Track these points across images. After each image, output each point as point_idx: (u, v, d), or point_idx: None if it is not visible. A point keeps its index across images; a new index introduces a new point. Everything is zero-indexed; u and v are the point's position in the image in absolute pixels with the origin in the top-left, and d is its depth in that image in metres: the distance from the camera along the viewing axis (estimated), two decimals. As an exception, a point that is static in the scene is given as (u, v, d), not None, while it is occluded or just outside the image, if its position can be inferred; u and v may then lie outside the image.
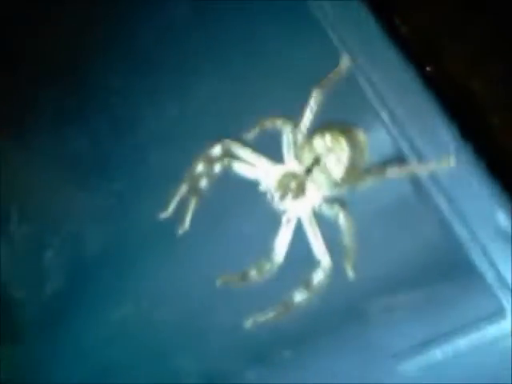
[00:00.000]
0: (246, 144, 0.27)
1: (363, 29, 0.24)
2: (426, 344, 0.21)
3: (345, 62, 0.24)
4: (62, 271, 0.35)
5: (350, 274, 0.25)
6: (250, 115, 0.27)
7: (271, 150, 0.27)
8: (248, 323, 0.28)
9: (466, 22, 0.30)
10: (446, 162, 0.21)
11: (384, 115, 0.23)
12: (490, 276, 0.20)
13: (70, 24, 0.36)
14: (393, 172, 0.22)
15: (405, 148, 0.22)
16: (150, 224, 0.31)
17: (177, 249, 0.31)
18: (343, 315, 0.26)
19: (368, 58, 0.24)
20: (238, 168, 0.27)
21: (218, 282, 0.28)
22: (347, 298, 0.26)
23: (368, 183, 0.23)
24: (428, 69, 0.24)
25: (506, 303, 0.19)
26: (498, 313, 0.20)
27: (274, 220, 0.27)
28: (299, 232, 0.26)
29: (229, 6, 0.28)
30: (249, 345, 0.29)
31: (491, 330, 0.20)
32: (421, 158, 0.22)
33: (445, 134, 0.21)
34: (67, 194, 0.35)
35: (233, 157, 0.27)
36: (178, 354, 0.31)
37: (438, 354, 0.21)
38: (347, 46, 0.24)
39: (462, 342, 0.20)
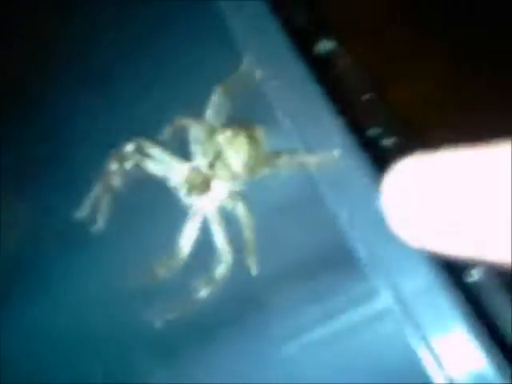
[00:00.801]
0: (158, 143, 0.28)
1: (265, 35, 0.26)
2: (308, 325, 0.22)
3: (246, 65, 0.26)
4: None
5: (253, 269, 0.26)
6: (160, 116, 0.28)
7: (181, 148, 0.28)
8: (158, 321, 0.28)
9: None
10: (333, 155, 0.23)
11: (279, 114, 0.24)
12: (366, 260, 0.21)
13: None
14: (285, 162, 0.23)
15: (298, 143, 0.24)
16: (64, 225, 0.31)
17: (91, 247, 0.31)
18: (244, 307, 0.26)
19: (268, 63, 0.25)
20: (149, 166, 0.28)
21: (129, 280, 0.29)
22: (247, 290, 0.26)
23: (265, 173, 0.24)
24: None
25: (379, 284, 0.20)
26: (373, 293, 0.21)
27: (181, 215, 0.27)
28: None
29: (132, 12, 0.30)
30: (155, 342, 0.29)
31: (367, 310, 0.21)
32: (311, 152, 0.23)
33: (332, 129, 0.23)
34: None
35: (144, 155, 0.28)
36: (85, 356, 0.31)
37: (317, 334, 0.21)
38: (250, 49, 0.26)
39: (341, 322, 0.21)
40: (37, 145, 0.34)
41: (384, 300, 0.20)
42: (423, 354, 0.19)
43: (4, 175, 0.34)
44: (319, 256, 0.24)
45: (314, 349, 0.22)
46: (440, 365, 0.19)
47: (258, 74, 0.25)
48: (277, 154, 0.24)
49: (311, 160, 0.23)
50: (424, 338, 0.19)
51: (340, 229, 0.23)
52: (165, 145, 0.28)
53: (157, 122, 0.28)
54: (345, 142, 0.23)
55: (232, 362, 0.26)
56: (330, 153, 0.23)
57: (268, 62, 0.25)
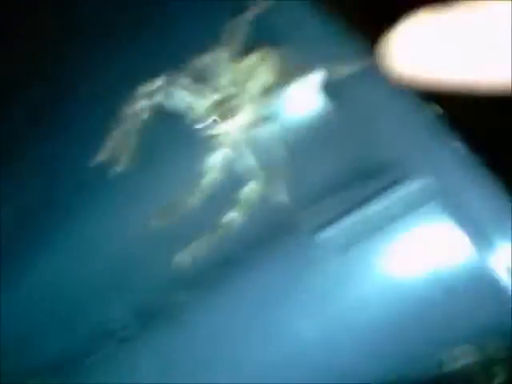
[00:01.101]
0: (186, 75, 0.29)
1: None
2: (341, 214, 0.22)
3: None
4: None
5: (282, 196, 0.26)
6: (187, 50, 0.29)
7: (210, 79, 0.28)
8: (183, 258, 0.28)
9: None
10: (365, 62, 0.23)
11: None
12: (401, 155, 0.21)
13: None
14: (315, 72, 0.24)
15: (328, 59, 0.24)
16: (83, 172, 0.31)
17: (111, 191, 0.31)
18: (272, 230, 0.26)
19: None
20: (176, 99, 0.28)
21: (153, 221, 0.28)
22: (277, 212, 0.26)
23: (295, 84, 0.25)
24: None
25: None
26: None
27: (207, 146, 0.27)
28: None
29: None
30: (183, 279, 0.29)
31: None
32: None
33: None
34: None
35: (175, 86, 0.28)
36: (111, 299, 0.31)
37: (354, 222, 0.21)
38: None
39: (378, 207, 0.21)
40: (50, 102, 0.34)
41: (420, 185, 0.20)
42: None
43: (18, 123, 0.35)
44: (351, 170, 0.24)
45: (360, 258, 0.22)
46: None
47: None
48: (303, 66, 0.24)
49: (344, 68, 0.24)
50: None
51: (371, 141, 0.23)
52: (190, 78, 0.29)
53: (180, 59, 0.29)
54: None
55: (268, 285, 0.26)
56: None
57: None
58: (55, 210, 0.33)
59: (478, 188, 0.19)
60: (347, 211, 0.22)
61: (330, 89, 0.25)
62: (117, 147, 0.30)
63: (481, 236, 0.20)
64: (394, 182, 0.21)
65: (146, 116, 0.29)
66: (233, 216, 0.26)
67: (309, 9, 0.25)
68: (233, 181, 0.27)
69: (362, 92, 0.23)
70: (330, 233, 0.22)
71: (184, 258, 0.28)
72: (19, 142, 0.35)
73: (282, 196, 0.26)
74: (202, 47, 0.28)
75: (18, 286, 0.33)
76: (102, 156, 0.30)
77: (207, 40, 0.28)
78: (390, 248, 0.22)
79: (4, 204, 0.34)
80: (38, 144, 0.34)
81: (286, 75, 0.26)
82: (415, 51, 0.15)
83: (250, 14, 0.26)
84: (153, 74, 0.29)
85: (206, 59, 0.28)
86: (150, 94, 0.29)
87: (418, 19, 0.15)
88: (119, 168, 0.30)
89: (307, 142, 0.26)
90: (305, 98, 0.26)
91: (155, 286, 0.29)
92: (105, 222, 0.31)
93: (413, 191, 0.21)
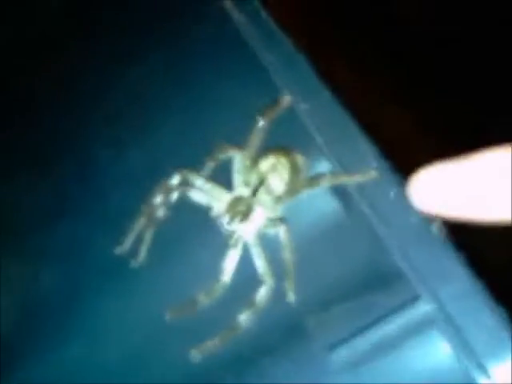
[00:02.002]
0: (202, 175, 0.30)
1: (302, 76, 0.28)
2: (353, 335, 0.22)
3: (286, 100, 0.28)
4: (15, 312, 0.35)
5: (291, 296, 0.27)
6: (205, 150, 0.30)
7: (225, 178, 0.29)
8: (194, 355, 0.28)
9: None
10: (371, 174, 0.24)
11: (319, 140, 0.26)
12: (406, 270, 0.22)
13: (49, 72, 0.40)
14: (325, 181, 0.24)
15: (335, 166, 0.25)
16: (104, 259, 0.32)
17: (129, 282, 0.32)
18: (283, 334, 0.26)
19: (307, 99, 0.27)
20: (194, 196, 0.29)
21: (168, 316, 0.29)
22: (287, 315, 0.26)
23: (305, 192, 0.25)
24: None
25: (419, 292, 0.21)
26: (414, 300, 0.21)
27: (225, 246, 0.28)
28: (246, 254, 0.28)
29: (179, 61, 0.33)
30: (194, 375, 0.29)
31: (409, 315, 0.21)
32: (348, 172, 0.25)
33: (368, 153, 0.24)
34: (22, 233, 0.37)
35: (189, 186, 0.30)
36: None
37: (364, 342, 0.21)
38: (289, 87, 0.28)
39: (385, 329, 0.21)
40: (85, 187, 0.35)
41: (425, 308, 0.20)
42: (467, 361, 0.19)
43: (49, 215, 0.36)
44: (357, 275, 0.25)
45: (362, 370, 0.22)
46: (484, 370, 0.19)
47: (287, 99, 0.27)
48: (316, 176, 0.25)
49: (351, 179, 0.24)
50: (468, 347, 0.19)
51: (377, 246, 0.23)
52: (207, 176, 0.30)
53: (199, 155, 0.30)
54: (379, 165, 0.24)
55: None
56: (369, 171, 0.24)
57: (305, 95, 0.27)
58: (74, 296, 0.34)
59: (479, 315, 0.19)
60: (357, 331, 0.22)
61: (342, 195, 0.25)
62: (136, 239, 0.31)
63: (477, 363, 0.20)
64: (401, 306, 0.21)
65: (162, 211, 0.30)
66: (246, 317, 0.27)
67: (323, 115, 0.26)
68: (246, 281, 0.27)
69: (372, 200, 0.24)
70: (342, 351, 0.22)
71: (197, 354, 0.28)
72: (45, 219, 0.36)
73: (291, 298, 0.26)
74: (217, 147, 0.29)
75: (36, 370, 0.34)
76: (122, 247, 0.31)
77: (222, 141, 0.30)
78: (394, 368, 0.22)
79: (25, 287, 0.36)
80: (61, 225, 0.36)
81: (297, 182, 0.26)
82: (439, 191, 0.20)
83: (266, 120, 0.28)
84: (170, 172, 0.30)
85: (220, 160, 0.29)
86: (167, 191, 0.30)
87: (439, 166, 0.20)
88: (138, 259, 0.30)
89: (317, 246, 0.26)
90: (315, 203, 0.26)
91: (167, 380, 0.30)
92: (122, 312, 0.32)
93: (417, 316, 0.21)
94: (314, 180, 0.25)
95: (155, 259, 0.30)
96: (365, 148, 0.25)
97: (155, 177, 0.30)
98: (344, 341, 0.23)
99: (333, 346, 0.23)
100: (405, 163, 0.23)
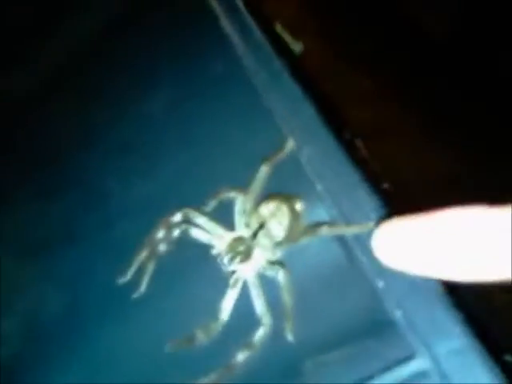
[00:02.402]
0: (203, 213, 0.31)
1: (307, 122, 0.29)
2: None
3: (289, 145, 0.29)
4: (16, 338, 0.36)
5: (289, 336, 0.27)
6: (211, 188, 0.31)
7: (227, 218, 0.30)
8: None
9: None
10: (368, 226, 0.25)
11: (319, 187, 0.27)
12: (402, 324, 0.22)
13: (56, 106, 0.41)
14: (323, 231, 0.25)
15: (335, 215, 0.26)
16: (107, 288, 0.33)
17: (130, 312, 0.32)
18: (282, 374, 0.27)
19: (310, 145, 0.28)
20: (195, 233, 0.30)
21: (167, 348, 0.30)
22: (286, 356, 0.27)
23: (304, 241, 0.26)
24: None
25: (415, 347, 0.22)
26: (409, 356, 0.22)
27: (225, 283, 0.29)
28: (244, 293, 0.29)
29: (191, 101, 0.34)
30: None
31: (404, 371, 0.22)
32: (348, 223, 0.25)
33: (368, 204, 0.25)
34: (28, 263, 0.37)
35: (191, 224, 0.30)
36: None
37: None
38: (293, 134, 0.29)
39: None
40: (92, 216, 0.36)
41: (420, 363, 0.21)
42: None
43: (54, 242, 0.37)
44: (355, 322, 0.26)
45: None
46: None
47: (290, 145, 0.28)
48: (316, 224, 0.26)
49: (349, 230, 0.25)
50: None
51: (376, 295, 0.24)
52: (209, 215, 0.31)
53: (203, 193, 0.31)
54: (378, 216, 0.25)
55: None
56: (367, 223, 0.25)
57: (308, 141, 0.28)
58: (76, 323, 0.34)
59: (475, 372, 0.20)
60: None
61: (342, 242, 0.26)
62: (138, 271, 0.31)
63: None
64: (396, 360, 0.22)
65: (164, 246, 0.31)
66: (243, 356, 0.27)
67: (324, 162, 0.27)
68: (245, 321, 0.28)
69: (370, 250, 0.25)
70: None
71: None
72: (51, 245, 0.37)
73: (290, 338, 0.27)
74: (218, 187, 0.30)
75: None
76: (125, 277, 0.32)
77: (225, 180, 0.30)
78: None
79: (27, 311, 0.36)
80: (67, 252, 0.36)
81: (296, 229, 0.27)
82: (399, 247, 0.20)
83: (268, 166, 0.28)
84: (174, 206, 0.31)
85: (223, 200, 0.30)
86: (170, 227, 0.31)
87: (399, 223, 0.20)
88: (140, 290, 0.31)
89: (316, 291, 0.27)
90: (316, 248, 0.27)
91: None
92: (123, 341, 0.33)
93: (412, 372, 0.22)
94: (312, 228, 0.26)
95: (156, 291, 0.31)
96: (364, 197, 0.25)
97: (159, 210, 0.31)
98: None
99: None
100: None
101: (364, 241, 0.25)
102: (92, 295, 0.34)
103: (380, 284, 0.23)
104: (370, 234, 0.24)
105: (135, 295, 0.31)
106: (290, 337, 0.27)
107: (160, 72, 0.37)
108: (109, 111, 0.38)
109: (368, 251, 0.25)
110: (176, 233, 0.30)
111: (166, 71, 0.37)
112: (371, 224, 0.25)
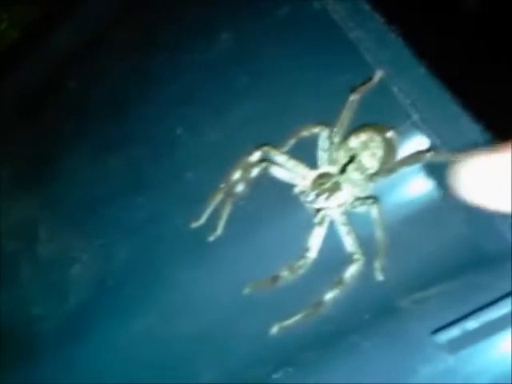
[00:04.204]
0: (282, 151, 0.29)
1: (396, 51, 0.27)
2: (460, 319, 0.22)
3: (378, 75, 0.27)
4: (87, 285, 0.36)
5: (379, 274, 0.26)
6: (287, 129, 0.29)
7: (308, 159, 0.29)
8: (274, 329, 0.28)
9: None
10: (473, 153, 0.23)
11: (415, 117, 0.25)
12: None
13: (114, 57, 0.40)
14: (425, 158, 0.24)
15: (435, 144, 0.24)
16: (180, 233, 0.32)
17: (205, 257, 0.31)
18: (373, 312, 0.26)
19: (400, 74, 0.27)
20: (275, 172, 0.29)
21: (246, 290, 0.29)
22: (378, 295, 0.26)
23: (400, 170, 0.25)
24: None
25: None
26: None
27: (307, 225, 0.28)
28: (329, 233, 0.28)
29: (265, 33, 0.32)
30: (275, 351, 0.29)
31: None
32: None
33: (472, 130, 0.24)
34: (98, 211, 0.37)
35: (271, 162, 0.29)
36: (201, 365, 0.31)
37: (472, 325, 0.21)
38: (381, 65, 0.27)
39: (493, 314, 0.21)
40: (162, 166, 0.35)
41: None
42: None
43: (124, 192, 0.36)
44: (453, 256, 0.24)
45: (464, 346, 0.22)
46: None
47: (380, 74, 0.27)
48: (416, 152, 0.25)
49: (452, 158, 0.24)
50: None
51: (481, 226, 0.23)
52: (290, 153, 0.29)
53: (282, 133, 0.30)
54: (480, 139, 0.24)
55: (360, 371, 0.26)
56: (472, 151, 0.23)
57: (398, 72, 0.27)
58: (149, 270, 0.34)
59: None
60: (464, 316, 0.22)
61: (437, 173, 0.25)
62: (214, 214, 0.30)
63: None
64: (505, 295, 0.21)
65: (242, 187, 0.30)
66: (333, 295, 0.26)
67: (418, 91, 0.25)
68: (333, 260, 0.27)
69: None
70: (445, 334, 0.22)
71: (278, 330, 0.28)
72: (120, 194, 0.36)
73: (380, 276, 0.26)
74: (303, 122, 0.29)
75: (115, 339, 0.34)
76: (199, 221, 0.31)
77: (306, 116, 0.29)
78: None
79: (99, 260, 0.36)
80: (136, 201, 0.35)
81: (391, 160, 0.26)
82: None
83: (357, 95, 0.27)
84: (250, 149, 0.30)
85: (304, 137, 0.29)
86: (247, 167, 0.30)
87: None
88: (216, 233, 0.30)
89: (410, 226, 0.26)
90: (408, 182, 0.26)
91: (245, 357, 0.30)
92: (198, 287, 0.32)
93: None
94: (411, 157, 0.25)
95: (234, 234, 0.30)
96: (466, 124, 0.24)
97: (233, 155, 0.30)
98: (449, 325, 0.22)
99: (436, 330, 0.22)
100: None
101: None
102: (165, 241, 0.33)
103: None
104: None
105: (211, 238, 0.30)
106: (380, 276, 0.26)
107: (222, 14, 0.36)
108: (169, 60, 0.37)
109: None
110: (255, 172, 0.29)
111: (227, 13, 0.35)
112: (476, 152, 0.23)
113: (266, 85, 0.32)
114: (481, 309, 0.21)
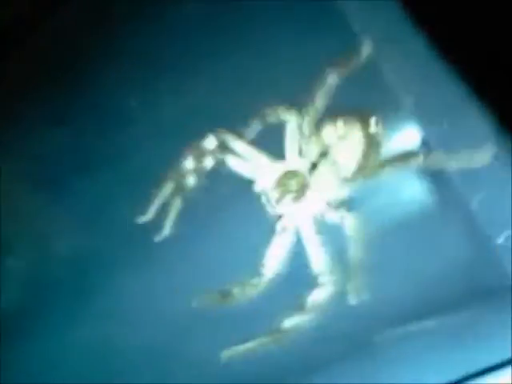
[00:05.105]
0: (245, 139, 0.24)
1: (388, 16, 0.21)
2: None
3: (366, 49, 0.21)
4: (20, 281, 0.31)
5: (352, 298, 0.21)
6: (252, 109, 0.24)
7: (272, 146, 0.24)
8: (225, 355, 0.23)
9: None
10: (482, 158, 0.17)
11: (408, 102, 0.19)
12: None
13: (70, 21, 0.34)
14: (416, 162, 0.18)
15: (432, 138, 0.19)
16: (125, 230, 0.27)
17: (152, 259, 0.27)
18: (347, 346, 0.21)
19: (392, 45, 0.21)
20: (233, 164, 0.24)
21: (195, 303, 0.24)
22: (353, 325, 0.21)
23: (383, 176, 0.19)
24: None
25: None
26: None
27: (267, 228, 0.23)
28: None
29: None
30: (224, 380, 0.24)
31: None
32: (451, 151, 0.18)
33: (481, 125, 0.18)
34: (39, 197, 0.32)
35: (228, 151, 0.24)
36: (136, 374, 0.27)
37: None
38: (370, 33, 0.21)
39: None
40: (110, 142, 0.30)
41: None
42: None
43: (67, 175, 0.31)
44: (442, 283, 0.19)
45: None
46: None
47: (367, 47, 0.21)
48: (406, 154, 0.19)
49: (452, 162, 0.18)
50: None
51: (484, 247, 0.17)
52: (252, 141, 0.24)
53: (245, 114, 0.24)
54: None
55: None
56: (480, 155, 0.17)
57: (388, 45, 0.21)
58: (91, 267, 0.29)
59: None
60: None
61: (436, 177, 0.19)
62: (162, 210, 0.26)
63: None
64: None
65: (193, 179, 0.25)
66: (295, 322, 0.21)
67: (415, 69, 0.20)
68: (298, 277, 0.22)
69: (481, 190, 0.18)
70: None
71: (228, 357, 0.23)
72: (63, 178, 0.31)
73: (353, 301, 0.21)
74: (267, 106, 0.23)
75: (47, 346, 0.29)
76: (147, 216, 0.26)
77: (276, 99, 0.23)
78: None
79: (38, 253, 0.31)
80: (79, 188, 0.31)
81: (371, 162, 0.20)
82: None
83: (337, 74, 0.21)
84: (206, 130, 0.25)
85: (270, 123, 0.23)
86: (201, 155, 0.24)
87: None
88: (163, 233, 0.26)
89: (397, 240, 0.20)
90: (395, 185, 0.20)
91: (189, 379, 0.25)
92: (144, 291, 0.27)
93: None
94: (399, 160, 0.19)
95: (185, 234, 0.26)
96: (476, 119, 0.18)
97: (187, 135, 0.25)
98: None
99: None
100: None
101: (472, 176, 0.18)
102: (108, 236, 0.29)
103: (500, 239, 0.16)
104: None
105: (157, 238, 0.26)
106: (353, 300, 0.21)
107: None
108: (131, 17, 0.32)
109: (479, 190, 0.18)
110: (208, 162, 0.24)
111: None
112: (486, 156, 0.17)
113: (233, 53, 0.27)
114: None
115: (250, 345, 0.23)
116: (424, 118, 0.19)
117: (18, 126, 0.35)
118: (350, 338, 0.21)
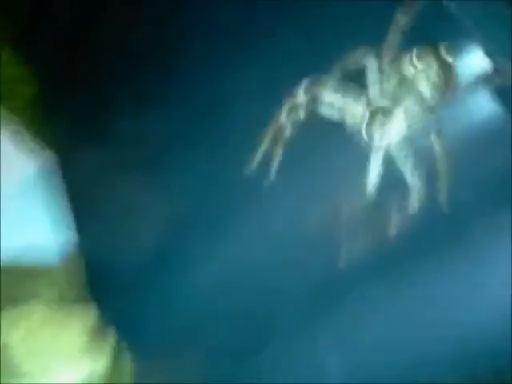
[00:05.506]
0: (329, 85, 0.27)
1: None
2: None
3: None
4: (151, 232, 0.37)
5: (445, 204, 0.25)
6: (331, 59, 0.27)
7: (355, 89, 0.26)
8: (341, 260, 0.27)
9: None
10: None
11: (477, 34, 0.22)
12: None
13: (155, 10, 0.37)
14: (487, 82, 0.21)
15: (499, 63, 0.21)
16: (235, 180, 0.31)
17: (263, 201, 0.31)
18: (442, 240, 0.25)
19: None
20: (323, 111, 0.27)
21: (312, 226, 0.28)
22: (441, 222, 0.25)
23: (460, 97, 0.22)
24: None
25: None
26: None
27: (361, 157, 0.26)
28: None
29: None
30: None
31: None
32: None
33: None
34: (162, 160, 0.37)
35: (317, 100, 0.27)
36: (267, 313, 0.32)
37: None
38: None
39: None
40: (202, 96, 0.34)
41: None
42: None
43: (172, 128, 0.35)
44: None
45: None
46: None
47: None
48: (481, 76, 0.22)
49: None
50: None
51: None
52: (336, 85, 0.27)
53: (325, 61, 0.27)
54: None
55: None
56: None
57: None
58: (210, 216, 0.34)
59: None
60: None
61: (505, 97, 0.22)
62: (267, 157, 0.29)
63: None
64: None
65: (290, 130, 0.28)
66: (394, 223, 0.25)
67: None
68: (394, 191, 0.26)
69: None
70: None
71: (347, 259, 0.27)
72: (175, 144, 0.36)
73: (444, 203, 0.25)
74: (350, 48, 0.26)
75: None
76: (252, 164, 0.30)
77: (355, 41, 0.26)
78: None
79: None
80: (193, 149, 0.35)
81: (450, 89, 0.23)
82: None
83: (406, 16, 0.24)
84: (298, 78, 0.27)
85: (351, 67, 0.26)
86: (292, 109, 0.28)
87: None
88: (270, 178, 0.29)
89: (475, 153, 0.24)
90: (470, 107, 0.24)
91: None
92: (261, 228, 0.32)
93: None
94: (476, 82, 0.22)
95: (289, 175, 0.29)
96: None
97: (280, 87, 0.28)
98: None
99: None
100: None
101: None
102: (223, 189, 0.33)
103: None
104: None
105: (266, 183, 0.29)
106: (444, 206, 0.25)
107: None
108: None
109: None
110: (301, 115, 0.27)
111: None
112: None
113: (305, 18, 0.29)
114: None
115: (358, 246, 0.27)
116: (492, 48, 0.21)
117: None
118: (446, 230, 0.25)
